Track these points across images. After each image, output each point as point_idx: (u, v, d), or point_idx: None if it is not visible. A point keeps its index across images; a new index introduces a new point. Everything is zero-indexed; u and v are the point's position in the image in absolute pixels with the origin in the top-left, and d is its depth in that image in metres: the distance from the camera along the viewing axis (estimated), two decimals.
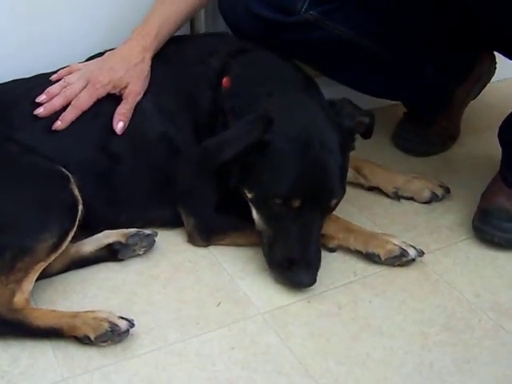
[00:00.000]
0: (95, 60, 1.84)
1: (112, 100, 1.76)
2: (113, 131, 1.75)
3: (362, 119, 1.70)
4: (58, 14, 1.99)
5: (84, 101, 1.74)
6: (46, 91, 1.76)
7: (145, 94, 1.80)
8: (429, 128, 2.24)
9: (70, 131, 1.73)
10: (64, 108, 1.76)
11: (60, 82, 1.79)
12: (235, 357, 1.49)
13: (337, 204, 1.65)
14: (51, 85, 1.79)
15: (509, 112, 1.85)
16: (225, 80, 1.74)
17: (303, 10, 1.81)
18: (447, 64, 2.08)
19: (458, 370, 1.46)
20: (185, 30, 2.03)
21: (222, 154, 1.58)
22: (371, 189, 2.04)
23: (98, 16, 2.03)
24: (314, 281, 1.63)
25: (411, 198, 2.01)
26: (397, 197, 2.00)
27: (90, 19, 2.03)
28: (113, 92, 1.77)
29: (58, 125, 1.71)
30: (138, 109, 1.78)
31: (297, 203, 1.58)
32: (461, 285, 1.71)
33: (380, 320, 1.60)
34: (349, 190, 1.80)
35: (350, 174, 1.95)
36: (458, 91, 2.19)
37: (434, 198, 1.99)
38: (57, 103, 1.74)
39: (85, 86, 1.76)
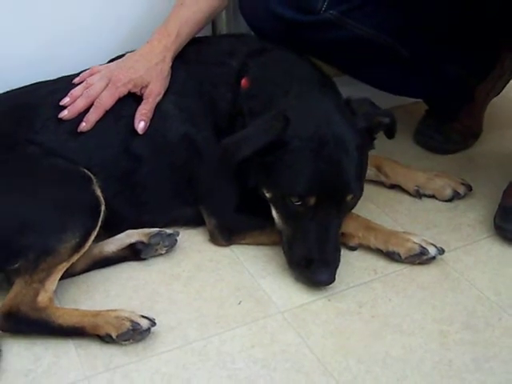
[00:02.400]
0: (116, 61, 1.86)
1: (133, 102, 1.78)
2: (134, 132, 1.77)
3: (381, 119, 1.70)
4: (81, 15, 2.00)
5: (106, 100, 1.76)
6: (69, 94, 1.78)
7: (166, 95, 1.82)
8: (451, 125, 2.23)
9: (92, 133, 1.76)
10: (87, 110, 1.77)
11: (82, 84, 1.82)
12: (255, 355, 1.51)
13: (353, 201, 1.66)
14: (73, 87, 1.80)
15: None
16: (243, 81, 1.75)
17: (323, 9, 1.82)
18: (468, 61, 2.07)
19: (477, 368, 1.47)
20: (206, 31, 2.04)
21: (241, 152, 1.60)
22: (392, 187, 2.04)
23: (119, 17, 2.04)
24: (333, 279, 1.64)
25: (433, 196, 2.01)
26: (418, 195, 2.00)
27: (113, 20, 2.03)
28: (133, 91, 1.79)
29: (83, 126, 1.74)
30: (159, 110, 1.81)
31: (312, 201, 1.60)
32: (481, 283, 1.70)
33: (400, 318, 1.60)
34: (370, 187, 1.82)
35: (371, 172, 1.97)
36: (479, 88, 2.19)
37: (455, 196, 1.99)
38: (80, 104, 1.77)
39: (106, 86, 1.78)
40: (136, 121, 1.77)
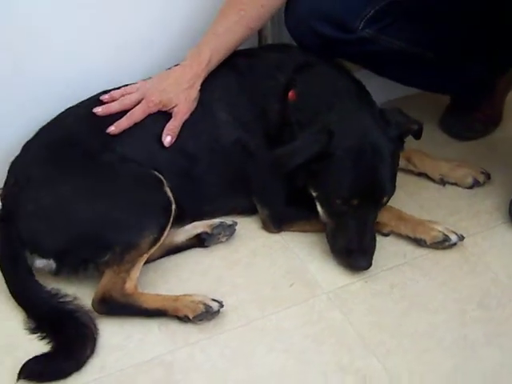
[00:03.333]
0: (154, 78, 2.10)
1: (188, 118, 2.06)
2: (191, 136, 2.06)
3: (411, 126, 1.98)
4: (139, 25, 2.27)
5: (137, 115, 2.03)
6: (109, 93, 2.06)
7: (219, 104, 2.08)
8: (472, 115, 2.49)
9: (156, 140, 2.04)
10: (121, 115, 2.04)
11: (121, 90, 2.08)
12: (306, 331, 1.83)
13: (388, 200, 1.95)
14: None
15: None
16: (291, 94, 2.02)
17: (360, 27, 2.07)
18: (490, 58, 2.28)
19: (488, 342, 1.77)
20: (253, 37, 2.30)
21: (291, 162, 1.90)
22: (420, 175, 2.32)
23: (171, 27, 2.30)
24: (370, 265, 1.95)
25: (455, 184, 2.29)
26: (442, 182, 2.28)
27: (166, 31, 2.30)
28: (163, 110, 2.05)
29: (112, 129, 2.00)
30: (213, 117, 2.08)
31: (355, 202, 1.89)
32: (496, 266, 1.99)
33: (426, 298, 1.90)
34: (400, 175, 2.09)
35: (402, 163, 2.23)
36: (500, 81, 2.43)
37: (475, 184, 2.27)
38: (113, 108, 2.04)
39: (140, 100, 2.05)
40: (163, 135, 2.02)
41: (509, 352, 1.75)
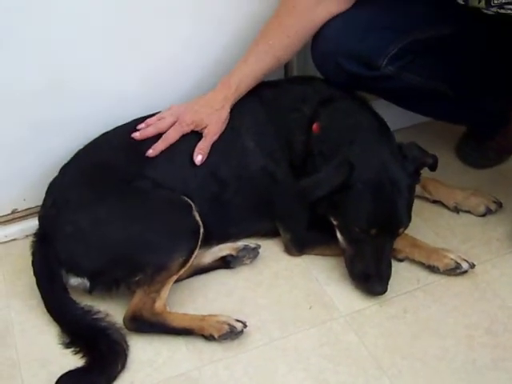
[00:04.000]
0: (188, 102, 2.23)
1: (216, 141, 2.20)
2: (221, 163, 2.20)
3: (426, 160, 2.10)
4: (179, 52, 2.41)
5: (171, 136, 2.17)
6: (145, 122, 2.21)
7: (248, 135, 2.22)
8: (487, 144, 2.60)
9: (187, 166, 2.18)
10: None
11: (156, 117, 2.23)
12: (324, 352, 1.95)
13: (404, 230, 2.07)
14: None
15: None
16: (315, 126, 2.15)
17: (383, 65, 2.19)
18: (506, 92, 2.39)
19: (495, 367, 1.88)
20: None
21: (314, 194, 2.03)
22: (435, 202, 2.44)
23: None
24: (386, 290, 2.07)
25: (468, 212, 2.40)
26: (456, 210, 2.40)
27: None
28: (195, 130, 2.19)
29: (150, 152, 2.14)
30: (242, 146, 2.22)
31: (373, 232, 2.01)
32: (504, 293, 2.10)
33: (436, 323, 2.02)
34: (416, 202, 2.20)
35: (418, 190, 2.34)
36: None
37: (488, 212, 2.38)
38: (149, 132, 2.19)
39: (174, 122, 2.19)
40: (195, 154, 2.15)
41: (505, 363, 1.89)
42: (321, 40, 2.20)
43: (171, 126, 2.18)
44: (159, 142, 2.15)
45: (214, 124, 2.17)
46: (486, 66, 2.27)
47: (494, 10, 2.03)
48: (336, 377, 1.89)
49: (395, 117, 2.39)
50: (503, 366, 1.89)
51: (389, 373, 1.89)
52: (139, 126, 2.19)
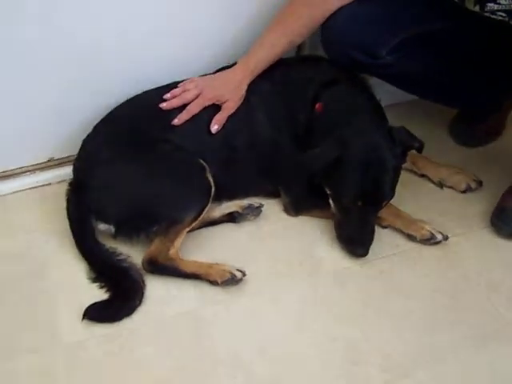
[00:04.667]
0: (208, 77, 2.52)
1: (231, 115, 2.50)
2: (235, 131, 2.51)
3: (413, 144, 2.40)
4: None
5: (195, 108, 2.42)
6: (171, 92, 2.45)
7: (258, 107, 2.52)
8: (477, 126, 2.88)
9: (204, 133, 2.49)
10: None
11: (180, 88, 2.51)
12: (308, 301, 2.29)
13: (387, 203, 2.39)
14: None
15: None
16: (317, 106, 2.44)
17: (384, 55, 2.46)
18: (499, 84, 2.64)
19: (450, 326, 2.22)
20: None
21: (312, 167, 2.35)
22: (422, 176, 2.74)
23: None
24: (367, 253, 2.39)
25: (451, 187, 2.70)
26: (440, 185, 2.71)
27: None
28: (216, 103, 2.44)
29: (176, 122, 2.40)
30: (255, 117, 2.52)
31: (359, 203, 2.34)
32: (469, 264, 2.40)
33: (406, 285, 2.34)
34: (406, 176, 2.53)
35: (408, 165, 2.65)
36: (506, 102, 2.83)
37: (468, 189, 2.68)
38: (175, 103, 2.46)
39: (197, 95, 2.44)
40: (212, 124, 2.41)
41: (460, 325, 2.24)
42: (329, 30, 2.49)
43: (195, 99, 2.47)
44: (183, 112, 2.43)
45: (232, 100, 2.45)
46: (482, 59, 2.51)
47: (487, 15, 2.29)
48: (315, 323, 2.23)
49: (393, 92, 2.69)
50: (458, 327, 2.22)
51: (361, 325, 2.24)
52: (165, 96, 2.49)
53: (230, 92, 2.48)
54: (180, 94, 2.49)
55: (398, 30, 2.45)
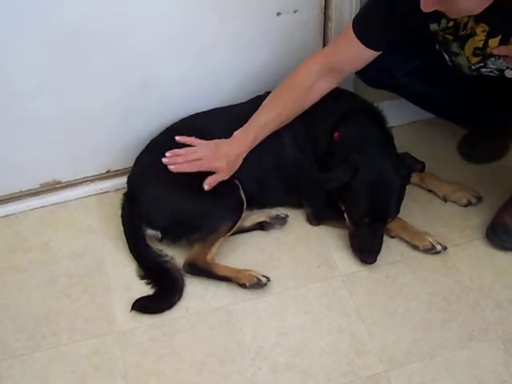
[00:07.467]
0: (213, 143, 2.73)
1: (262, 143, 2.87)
2: (265, 155, 2.91)
3: (416, 167, 2.77)
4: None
5: (188, 167, 2.67)
6: (172, 151, 2.68)
7: (287, 132, 2.89)
8: (483, 146, 3.20)
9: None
10: None
11: (186, 149, 2.71)
12: (323, 301, 2.68)
13: (392, 219, 2.78)
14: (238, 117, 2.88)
15: None
16: (336, 134, 2.81)
17: (400, 76, 2.82)
18: (503, 107, 2.91)
19: (443, 326, 2.59)
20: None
21: (326, 186, 2.75)
22: (429, 191, 3.10)
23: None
24: (375, 261, 2.76)
25: (454, 202, 3.06)
26: (444, 200, 3.05)
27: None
28: (212, 170, 2.64)
29: (172, 168, 2.66)
30: (282, 141, 2.92)
31: (367, 220, 2.76)
32: (465, 272, 2.74)
33: (408, 289, 2.68)
34: (414, 190, 2.92)
35: (416, 180, 3.01)
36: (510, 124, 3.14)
37: (469, 204, 3.02)
38: (179, 160, 2.67)
39: (199, 159, 2.66)
40: (204, 183, 2.63)
41: (451, 324, 2.57)
42: None
43: (197, 160, 2.67)
44: (184, 165, 2.68)
45: (226, 171, 2.67)
46: (489, 85, 2.81)
47: (475, 73, 2.66)
48: (327, 319, 2.62)
49: (408, 111, 3.10)
50: (449, 326, 2.58)
51: (366, 321, 2.62)
52: (167, 154, 2.70)
53: (228, 163, 2.70)
54: (185, 153, 2.69)
55: (412, 57, 2.80)
